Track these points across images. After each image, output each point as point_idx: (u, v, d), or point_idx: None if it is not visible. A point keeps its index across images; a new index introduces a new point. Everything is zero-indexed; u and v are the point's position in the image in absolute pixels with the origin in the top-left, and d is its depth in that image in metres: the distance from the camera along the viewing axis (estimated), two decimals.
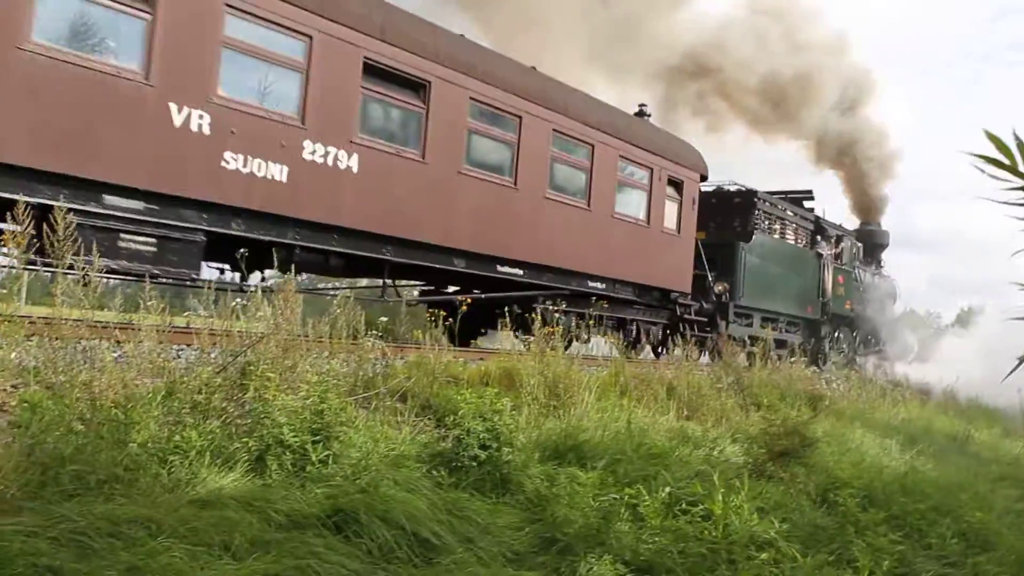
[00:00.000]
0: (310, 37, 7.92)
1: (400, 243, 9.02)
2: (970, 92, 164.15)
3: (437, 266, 9.53)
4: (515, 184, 10.24)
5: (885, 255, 23.75)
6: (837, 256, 19.21)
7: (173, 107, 6.97)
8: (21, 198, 4.92)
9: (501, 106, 10.00)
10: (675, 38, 23.90)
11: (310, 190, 8.00)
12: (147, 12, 6.77)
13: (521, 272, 10.49)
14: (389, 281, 9.65)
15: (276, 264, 7.76)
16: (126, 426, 3.67)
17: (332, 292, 8.05)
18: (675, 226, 13.20)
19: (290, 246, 8.02)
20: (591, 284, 11.63)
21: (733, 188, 16.47)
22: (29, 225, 4.48)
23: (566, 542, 4.29)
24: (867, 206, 24.71)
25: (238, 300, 5.33)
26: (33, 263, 5.24)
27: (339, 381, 5.05)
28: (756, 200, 15.99)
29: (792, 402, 9.30)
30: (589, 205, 11.38)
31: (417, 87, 9.00)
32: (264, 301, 5.20)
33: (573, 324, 9.64)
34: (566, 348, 7.82)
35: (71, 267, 4.52)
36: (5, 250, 4.54)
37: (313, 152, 8.02)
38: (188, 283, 7.27)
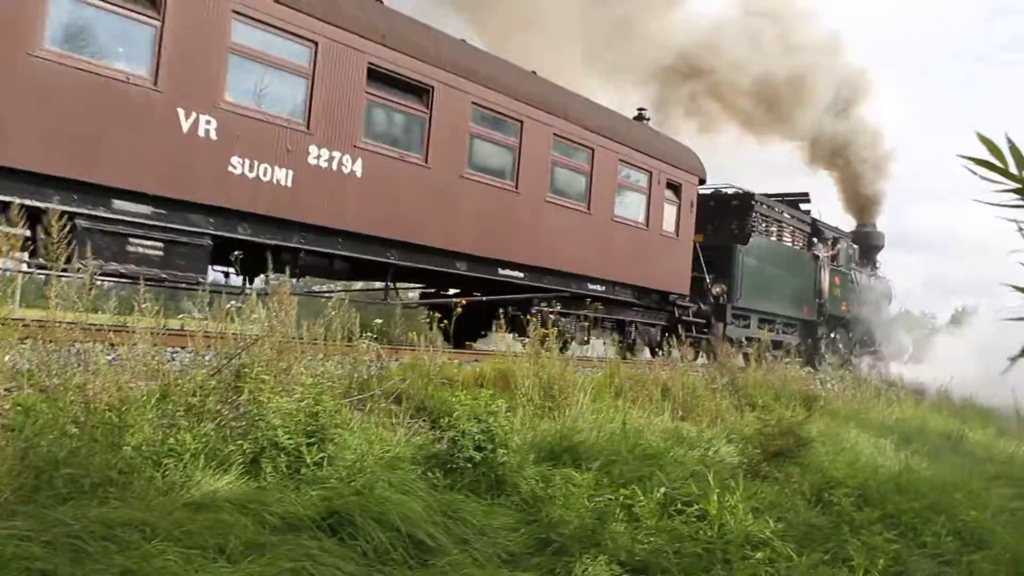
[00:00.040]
0: (315, 43, 7.85)
1: (404, 247, 8.94)
2: (965, 92, 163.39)
3: (440, 269, 9.44)
4: (516, 188, 10.15)
5: (880, 256, 23.56)
6: (833, 258, 19.06)
7: (181, 112, 6.91)
8: (41, 204, 4.85)
9: (503, 111, 9.91)
10: (668, 39, 23.63)
11: (315, 194, 7.92)
12: (155, 19, 6.71)
13: (522, 275, 10.40)
14: (391, 284, 9.56)
15: (280, 268, 7.66)
16: (120, 429, 3.59)
17: (328, 295, 7.97)
18: (674, 229, 13.08)
19: (295, 250, 7.94)
20: (591, 287, 11.52)
21: (731, 191, 16.35)
22: (23, 227, 4.39)
23: (561, 543, 4.22)
24: (861, 207, 24.44)
25: (232, 303, 5.23)
26: (44, 267, 5.17)
27: (334, 383, 4.97)
28: (753, 203, 15.87)
29: (787, 402, 9.19)
30: (589, 208, 11.27)
31: (420, 92, 8.92)
32: (259, 303, 5.10)
33: (573, 327, 9.51)
34: (561, 350, 7.69)
35: (77, 271, 4.45)
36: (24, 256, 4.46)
37: (318, 157, 7.95)
38: (190, 287, 7.19)
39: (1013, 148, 1.83)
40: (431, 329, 7.13)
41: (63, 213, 4.63)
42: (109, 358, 4.26)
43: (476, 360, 8.04)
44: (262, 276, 7.93)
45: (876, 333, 21.09)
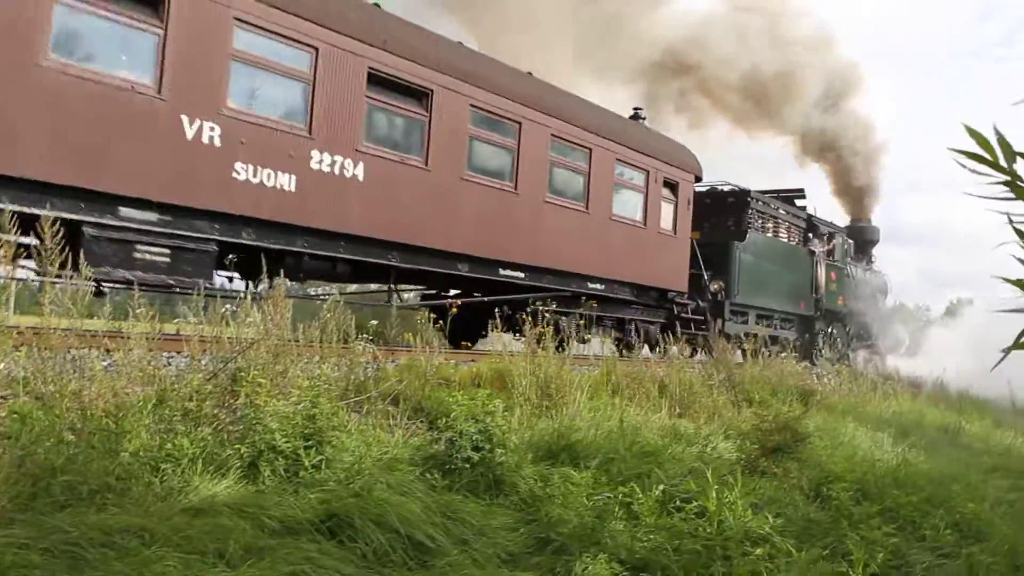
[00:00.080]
0: (316, 49, 7.77)
1: (405, 249, 8.86)
2: (959, 88, 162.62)
3: (441, 271, 9.37)
4: (515, 189, 10.06)
5: (875, 250, 23.36)
6: (829, 253, 18.91)
7: (185, 120, 6.83)
8: (45, 212, 4.78)
9: (501, 112, 9.82)
10: (657, 35, 23.40)
11: (318, 199, 7.85)
12: (158, 27, 6.64)
13: (522, 275, 10.31)
14: (393, 286, 9.48)
15: (285, 272, 7.59)
16: (117, 435, 3.51)
17: (323, 297, 7.89)
18: (671, 227, 12.97)
19: (299, 254, 7.88)
20: (590, 285, 11.43)
21: (727, 188, 16.22)
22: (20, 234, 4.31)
23: (561, 542, 4.14)
24: (854, 200, 24.17)
25: (227, 306, 5.15)
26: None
27: (330, 386, 4.88)
28: (749, 199, 15.75)
29: (784, 398, 9.06)
30: (587, 208, 11.18)
31: (420, 95, 8.84)
32: (254, 307, 5.02)
33: (571, 326, 9.40)
34: (558, 349, 7.56)
35: (86, 278, 4.38)
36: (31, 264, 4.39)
37: (320, 161, 7.88)
38: (196, 292, 7.11)
39: (1002, 141, 1.82)
40: (428, 330, 7.02)
41: (67, 221, 4.58)
42: (105, 364, 4.18)
43: (473, 360, 7.96)
44: (266, 280, 7.88)
45: (872, 327, 20.93)
